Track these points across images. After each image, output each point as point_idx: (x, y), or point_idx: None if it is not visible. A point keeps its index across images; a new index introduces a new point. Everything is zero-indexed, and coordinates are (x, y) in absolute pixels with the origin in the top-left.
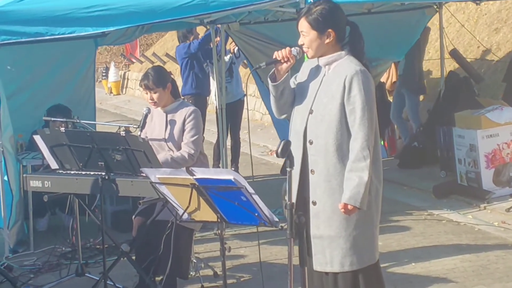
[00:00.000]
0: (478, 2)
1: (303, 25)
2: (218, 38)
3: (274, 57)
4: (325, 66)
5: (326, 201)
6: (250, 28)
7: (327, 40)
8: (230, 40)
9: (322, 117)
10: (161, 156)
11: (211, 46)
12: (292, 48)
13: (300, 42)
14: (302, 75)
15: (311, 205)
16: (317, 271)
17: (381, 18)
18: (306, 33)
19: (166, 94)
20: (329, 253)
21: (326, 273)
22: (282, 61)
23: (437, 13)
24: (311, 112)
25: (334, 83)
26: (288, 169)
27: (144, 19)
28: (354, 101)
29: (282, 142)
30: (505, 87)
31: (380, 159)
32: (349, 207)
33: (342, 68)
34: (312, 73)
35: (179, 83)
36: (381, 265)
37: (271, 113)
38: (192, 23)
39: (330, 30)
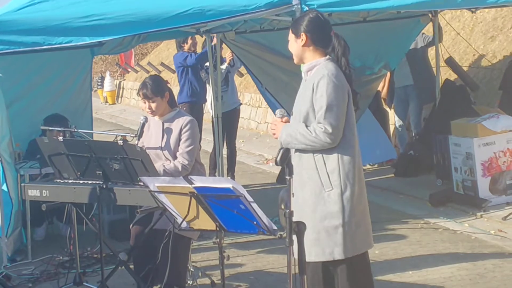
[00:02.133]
0: (473, 10)
1: (289, 32)
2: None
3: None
4: (307, 72)
5: (299, 193)
6: (245, 37)
7: (301, 43)
8: (225, 49)
9: (299, 118)
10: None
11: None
12: (277, 112)
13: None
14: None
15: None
16: None
17: (376, 26)
18: (289, 37)
19: (164, 103)
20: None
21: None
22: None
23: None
24: (292, 114)
25: (308, 88)
26: (287, 177)
27: (141, 28)
28: (320, 102)
29: (281, 150)
30: (501, 95)
31: (356, 160)
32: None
33: (315, 73)
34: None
35: (175, 91)
36: (378, 274)
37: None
38: (188, 32)
39: (302, 33)
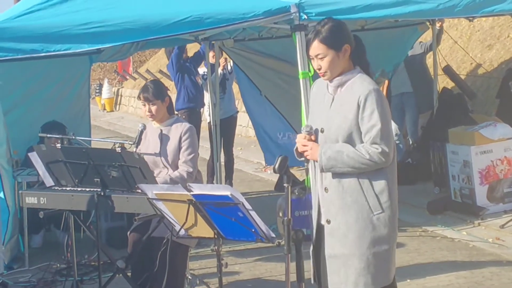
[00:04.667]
0: (471, 18)
1: (319, 47)
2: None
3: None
4: (336, 88)
5: (341, 219)
6: (244, 45)
7: (346, 56)
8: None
9: (335, 137)
10: (161, 178)
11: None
12: (303, 128)
13: (316, 66)
14: (313, 101)
15: (325, 223)
16: None
17: (374, 35)
18: (323, 54)
19: (164, 108)
20: (344, 272)
21: None
22: (307, 148)
23: (430, 30)
24: (322, 131)
25: (346, 103)
26: (285, 185)
27: (140, 35)
28: (372, 120)
29: (279, 158)
30: (498, 103)
31: (396, 181)
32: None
33: (355, 87)
34: (321, 94)
35: (173, 99)
36: None
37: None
38: (187, 39)
39: (346, 45)
